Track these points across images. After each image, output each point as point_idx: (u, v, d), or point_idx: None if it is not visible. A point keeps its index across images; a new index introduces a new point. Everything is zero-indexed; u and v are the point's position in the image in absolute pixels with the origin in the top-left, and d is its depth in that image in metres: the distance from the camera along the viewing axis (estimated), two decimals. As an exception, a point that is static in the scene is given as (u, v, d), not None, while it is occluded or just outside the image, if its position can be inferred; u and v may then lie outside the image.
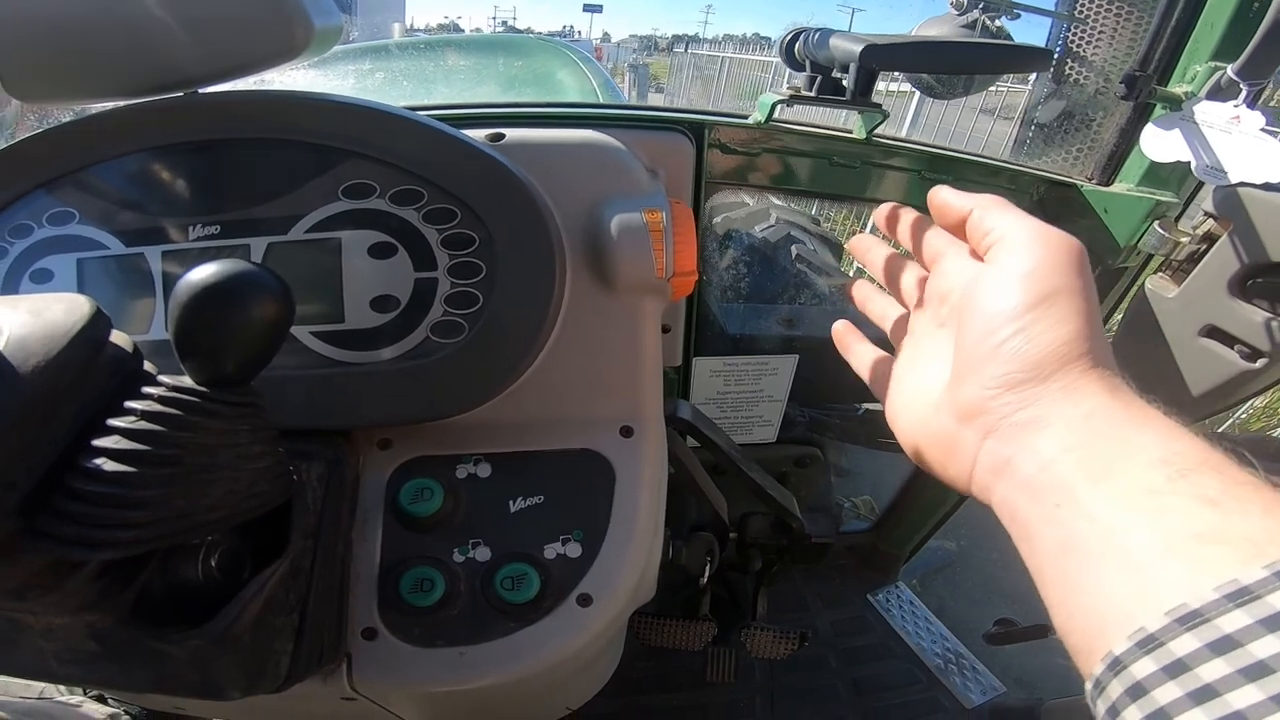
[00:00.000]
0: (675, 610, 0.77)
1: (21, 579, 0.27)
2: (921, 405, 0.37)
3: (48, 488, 0.26)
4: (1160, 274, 0.67)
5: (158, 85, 0.44)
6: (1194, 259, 0.64)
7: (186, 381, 0.28)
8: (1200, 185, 0.72)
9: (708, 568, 0.57)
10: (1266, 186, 0.58)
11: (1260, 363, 0.61)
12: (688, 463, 0.59)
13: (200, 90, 0.45)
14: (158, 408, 0.27)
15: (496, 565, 0.43)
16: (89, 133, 0.44)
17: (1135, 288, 0.75)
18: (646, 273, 0.44)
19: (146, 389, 0.28)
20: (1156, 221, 0.66)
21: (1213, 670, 0.20)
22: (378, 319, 0.43)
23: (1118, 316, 0.78)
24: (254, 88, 0.48)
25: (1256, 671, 0.19)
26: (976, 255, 0.36)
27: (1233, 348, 0.62)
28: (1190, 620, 0.21)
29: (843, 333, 0.47)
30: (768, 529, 0.76)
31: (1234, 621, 0.20)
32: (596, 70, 2.01)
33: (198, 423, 0.28)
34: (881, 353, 0.43)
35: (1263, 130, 0.59)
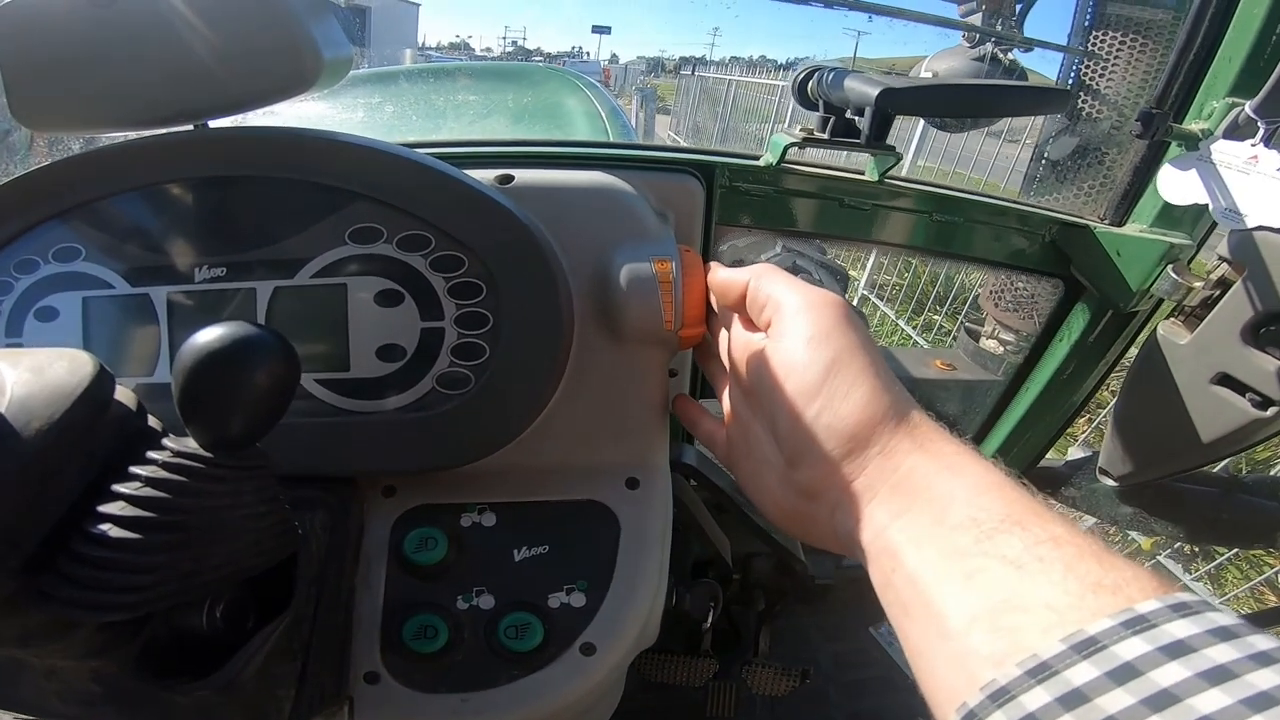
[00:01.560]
0: (677, 646, 0.77)
1: (25, 630, 0.27)
2: (768, 482, 0.38)
3: (52, 546, 0.26)
4: (1172, 320, 0.66)
5: (166, 117, 0.44)
6: (1207, 305, 0.63)
7: (191, 445, 0.28)
8: (1213, 227, 0.71)
9: (711, 614, 0.57)
10: (1282, 230, 0.58)
11: (1271, 411, 0.60)
12: (691, 506, 0.59)
13: (210, 123, 0.45)
14: (162, 474, 0.27)
15: (500, 614, 0.42)
16: (97, 166, 0.44)
17: (1145, 332, 0.75)
18: (654, 325, 0.44)
19: (151, 453, 0.28)
20: (1170, 266, 0.65)
21: None
22: (384, 368, 0.43)
23: (1128, 361, 0.77)
24: (263, 119, 0.48)
25: None
26: (754, 326, 0.39)
27: (1244, 395, 0.62)
28: (1000, 698, 0.22)
29: (683, 408, 0.48)
30: (770, 571, 0.75)
31: (1036, 699, 0.21)
32: (604, 99, 2.03)
33: (203, 488, 0.27)
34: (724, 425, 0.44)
35: (1280, 170, 0.59)
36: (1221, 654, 0.19)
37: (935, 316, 3.39)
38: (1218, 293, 0.63)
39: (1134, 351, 0.75)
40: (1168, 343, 0.66)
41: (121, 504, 0.26)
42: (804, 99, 0.64)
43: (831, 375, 0.33)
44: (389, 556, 0.44)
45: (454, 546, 0.44)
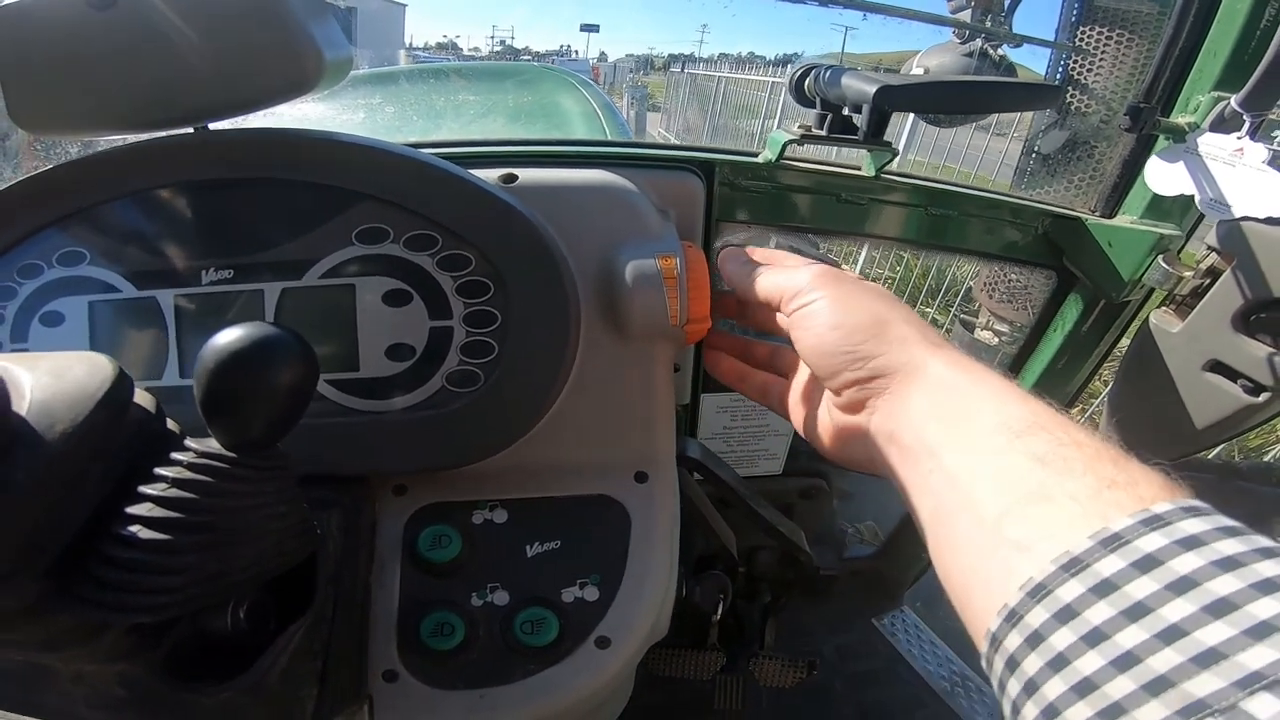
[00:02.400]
0: (685, 640, 0.77)
1: (52, 634, 0.27)
2: (817, 413, 0.43)
3: (75, 551, 0.26)
4: (1164, 308, 0.67)
5: (166, 119, 0.44)
6: (1197, 294, 0.64)
7: (214, 446, 0.28)
8: (1201, 218, 0.72)
9: (720, 606, 0.57)
10: (1269, 221, 0.59)
11: (1263, 397, 0.61)
12: (696, 499, 0.59)
13: (211, 125, 0.45)
14: (188, 475, 0.27)
15: (515, 609, 0.43)
16: (99, 169, 0.44)
17: (1137, 322, 0.76)
18: (660, 320, 0.45)
19: (175, 454, 0.28)
20: (1160, 256, 0.66)
21: (1061, 639, 0.23)
22: (393, 368, 0.43)
23: (1119, 352, 0.78)
24: (264, 120, 0.48)
25: (1095, 638, 0.22)
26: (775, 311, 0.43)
27: (1236, 382, 0.63)
28: (1038, 593, 0.24)
29: (720, 365, 0.52)
30: (775, 564, 0.76)
31: (1071, 591, 0.23)
32: (598, 96, 2.04)
33: (228, 489, 0.28)
34: (771, 377, 0.49)
35: (1265, 163, 0.60)
36: (1230, 547, 0.22)
37: (928, 309, 3.40)
38: (1207, 281, 0.64)
39: (1126, 342, 0.76)
40: (1160, 331, 0.67)
41: (149, 505, 0.26)
42: (801, 96, 0.64)
43: (845, 306, 0.38)
44: (403, 555, 0.44)
45: (467, 544, 0.44)
